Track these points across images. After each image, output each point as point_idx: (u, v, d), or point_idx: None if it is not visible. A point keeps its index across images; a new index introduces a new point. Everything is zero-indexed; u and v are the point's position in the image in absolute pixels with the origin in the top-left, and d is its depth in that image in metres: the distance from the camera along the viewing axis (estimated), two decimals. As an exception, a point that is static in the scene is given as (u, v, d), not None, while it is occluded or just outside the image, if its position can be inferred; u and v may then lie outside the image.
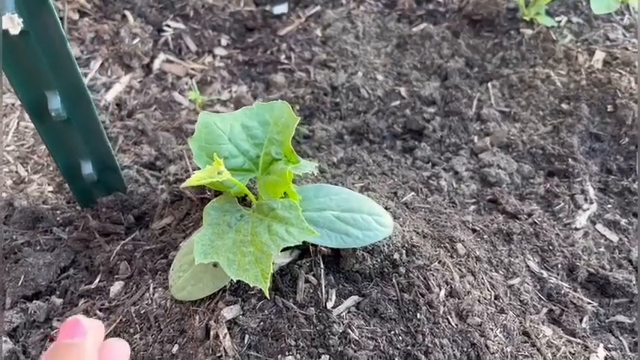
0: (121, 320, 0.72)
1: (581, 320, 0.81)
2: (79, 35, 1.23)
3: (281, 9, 1.34)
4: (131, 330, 0.70)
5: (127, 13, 1.28)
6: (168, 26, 1.28)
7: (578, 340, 0.78)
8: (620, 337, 0.82)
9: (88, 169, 0.82)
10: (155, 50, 1.23)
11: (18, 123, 1.08)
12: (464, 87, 1.14)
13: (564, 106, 1.11)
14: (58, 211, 0.91)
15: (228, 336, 0.64)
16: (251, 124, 0.68)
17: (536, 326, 0.77)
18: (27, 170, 1.00)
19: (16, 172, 0.99)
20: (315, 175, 0.85)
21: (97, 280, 0.81)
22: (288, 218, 0.60)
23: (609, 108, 1.08)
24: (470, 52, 1.23)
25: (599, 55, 1.20)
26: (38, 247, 0.87)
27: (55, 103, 0.69)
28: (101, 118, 1.09)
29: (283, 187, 0.63)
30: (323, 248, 0.71)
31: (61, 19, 1.25)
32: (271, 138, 0.67)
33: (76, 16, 1.26)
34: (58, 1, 1.26)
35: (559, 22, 1.28)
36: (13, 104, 1.10)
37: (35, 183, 0.97)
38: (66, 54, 0.66)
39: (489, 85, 1.16)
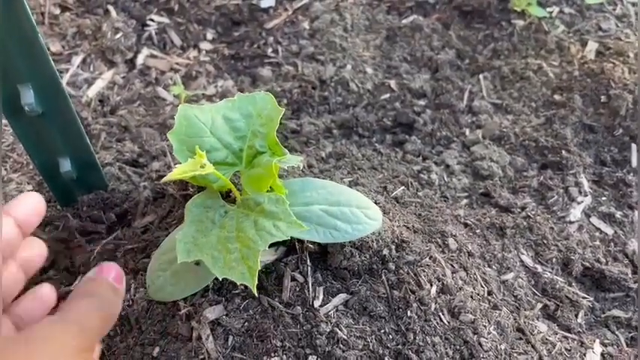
0: (100, 322, 0.69)
1: (576, 315, 0.79)
2: (60, 30, 1.20)
3: (268, 2, 1.31)
4: (111, 332, 0.68)
5: (110, 7, 1.25)
6: (152, 20, 1.25)
7: (574, 336, 0.76)
8: (617, 332, 0.80)
9: (66, 166, 0.79)
10: (139, 45, 1.20)
11: (-3, 121, 1.04)
12: (455, 79, 1.12)
13: (557, 97, 1.09)
14: (38, 211, 0.88)
15: (211, 337, 0.62)
16: (233, 117, 0.65)
17: (530, 322, 0.75)
18: (6, 169, 0.97)
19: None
20: (302, 168, 0.82)
21: (77, 281, 0.78)
22: (275, 213, 0.57)
23: (603, 99, 1.06)
24: (460, 44, 1.21)
25: (592, 46, 1.18)
26: (17, 248, 0.84)
27: (28, 97, 0.66)
28: (83, 114, 1.06)
29: (269, 181, 0.60)
30: (310, 245, 0.68)
31: (42, 14, 1.21)
32: (255, 130, 0.64)
33: (57, 11, 1.23)
34: (38, -5, 1.23)
35: (551, 12, 1.26)
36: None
37: (14, 182, 0.94)
38: (38, 45, 0.63)
39: (481, 76, 1.14)
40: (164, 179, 0.56)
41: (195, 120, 0.64)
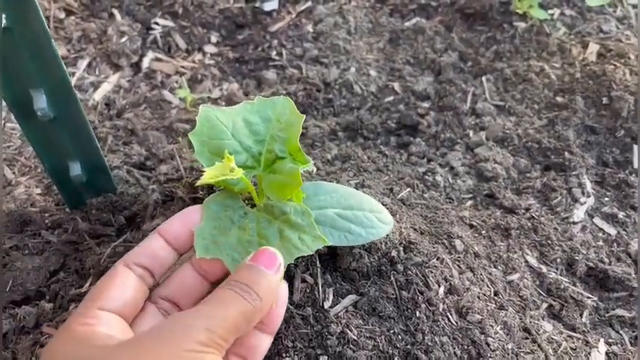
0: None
1: (581, 315, 0.81)
2: (65, 34, 1.21)
3: (271, 5, 1.32)
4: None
5: (115, 11, 1.26)
6: (157, 24, 1.26)
7: (579, 335, 0.78)
8: (621, 332, 0.81)
9: (76, 170, 0.80)
10: (144, 48, 1.21)
11: (4, 124, 1.05)
12: (458, 81, 1.13)
13: (559, 99, 1.10)
14: (47, 214, 0.89)
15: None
16: (253, 120, 0.65)
17: (536, 322, 0.76)
18: (14, 172, 0.98)
19: (3, 174, 0.97)
20: (311, 172, 0.83)
21: (88, 283, 0.79)
22: (300, 225, 0.58)
23: (604, 100, 1.07)
24: (463, 46, 1.22)
25: (593, 48, 1.19)
26: (27, 251, 0.85)
27: (40, 102, 0.67)
28: (90, 118, 1.07)
29: (293, 189, 0.60)
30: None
31: (47, 17, 1.22)
32: (274, 135, 0.64)
33: (62, 15, 1.24)
34: (43, -1, 1.24)
35: (552, 14, 1.27)
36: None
37: (23, 185, 0.95)
38: (51, 51, 0.64)
39: (483, 79, 1.15)
40: (198, 183, 0.57)
41: (216, 122, 0.64)
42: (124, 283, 0.54)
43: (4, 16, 0.58)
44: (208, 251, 0.58)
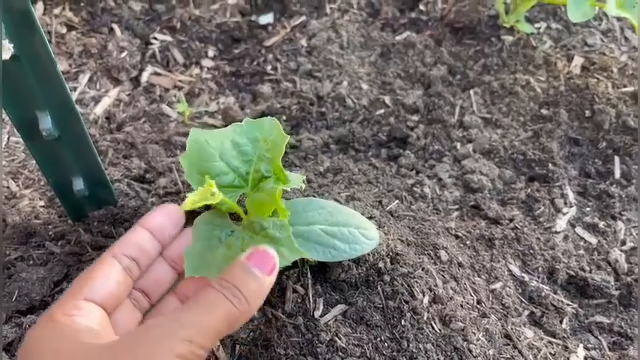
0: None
1: (561, 321, 0.84)
2: (67, 49, 1.25)
3: (267, 19, 1.36)
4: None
5: (115, 26, 1.30)
6: (156, 39, 1.30)
7: (559, 341, 0.81)
8: (599, 337, 0.85)
9: (79, 185, 0.83)
10: (143, 63, 1.25)
11: (8, 138, 1.09)
12: (446, 94, 1.17)
13: (544, 111, 1.14)
14: (50, 226, 0.93)
15: (221, 347, 0.66)
16: (241, 141, 0.68)
17: (517, 329, 0.79)
18: (18, 185, 1.01)
19: (7, 187, 1.01)
20: (301, 189, 0.86)
21: (90, 293, 0.83)
22: (278, 238, 0.61)
23: (587, 113, 1.12)
24: (452, 60, 1.26)
25: (578, 61, 1.23)
26: (31, 262, 0.88)
27: (45, 122, 0.71)
28: (91, 131, 1.11)
29: (272, 207, 0.64)
30: (310, 259, 0.73)
31: (49, 33, 1.26)
32: (261, 155, 0.67)
33: (63, 30, 1.28)
34: (45, 15, 1.28)
35: (538, 28, 1.31)
36: (3, 119, 1.12)
37: (27, 198, 0.99)
38: (55, 75, 0.68)
39: (471, 92, 1.19)
40: (181, 209, 0.60)
41: (205, 145, 0.67)
42: (108, 275, 0.56)
43: (12, 45, 0.62)
44: (197, 270, 0.61)
